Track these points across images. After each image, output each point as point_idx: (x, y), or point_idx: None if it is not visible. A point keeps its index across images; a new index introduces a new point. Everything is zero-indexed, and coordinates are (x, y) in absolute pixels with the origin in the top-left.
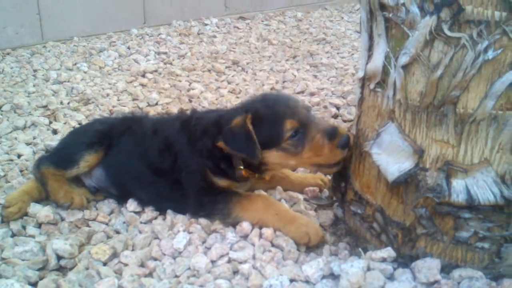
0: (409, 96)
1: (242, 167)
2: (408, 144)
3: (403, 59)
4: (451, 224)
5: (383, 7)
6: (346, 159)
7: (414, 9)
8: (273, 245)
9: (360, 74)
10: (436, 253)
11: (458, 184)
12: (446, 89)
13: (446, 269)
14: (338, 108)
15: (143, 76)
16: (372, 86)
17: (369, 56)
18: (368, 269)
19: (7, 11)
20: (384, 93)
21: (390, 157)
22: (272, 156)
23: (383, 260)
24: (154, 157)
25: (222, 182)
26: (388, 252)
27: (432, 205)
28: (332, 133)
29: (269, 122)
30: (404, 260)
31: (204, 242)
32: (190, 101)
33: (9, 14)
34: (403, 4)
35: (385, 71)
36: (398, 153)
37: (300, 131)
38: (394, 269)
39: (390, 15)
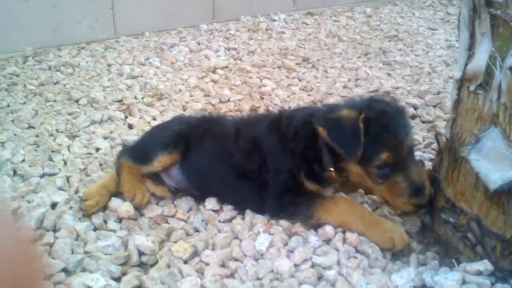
0: None
1: (333, 169)
2: None
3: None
4: None
5: (489, 3)
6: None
7: None
8: (357, 251)
9: (458, 74)
10: None
11: None
12: None
13: None
14: (415, 108)
15: (214, 72)
16: (472, 88)
17: (470, 56)
18: (463, 282)
19: (82, 6)
20: (487, 95)
21: (492, 164)
22: (355, 168)
23: (479, 273)
24: (239, 158)
25: (311, 186)
26: (484, 265)
27: None
28: (416, 191)
29: (371, 139)
30: (503, 274)
31: (286, 244)
32: (262, 98)
33: (84, 9)
34: None
35: (488, 72)
36: (502, 161)
37: (390, 167)
38: (492, 283)
39: (498, 12)
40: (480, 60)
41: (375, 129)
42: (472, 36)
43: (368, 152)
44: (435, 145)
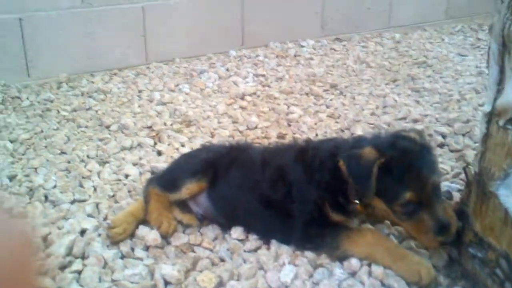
0: None
1: (357, 201)
2: None
3: None
4: None
5: None
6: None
7: None
8: (383, 285)
9: (487, 108)
10: None
11: None
12: None
13: None
14: (444, 137)
15: (242, 98)
16: (501, 122)
17: (499, 90)
18: None
19: (115, 33)
20: None
21: None
22: (379, 204)
23: None
24: (265, 188)
25: (336, 217)
26: None
27: None
28: (442, 229)
29: (394, 179)
30: None
31: (311, 276)
32: (289, 125)
33: (117, 36)
34: None
35: None
36: None
37: (414, 205)
38: None
39: None
40: (510, 95)
41: (399, 168)
42: (502, 70)
43: (392, 191)
44: (463, 175)
